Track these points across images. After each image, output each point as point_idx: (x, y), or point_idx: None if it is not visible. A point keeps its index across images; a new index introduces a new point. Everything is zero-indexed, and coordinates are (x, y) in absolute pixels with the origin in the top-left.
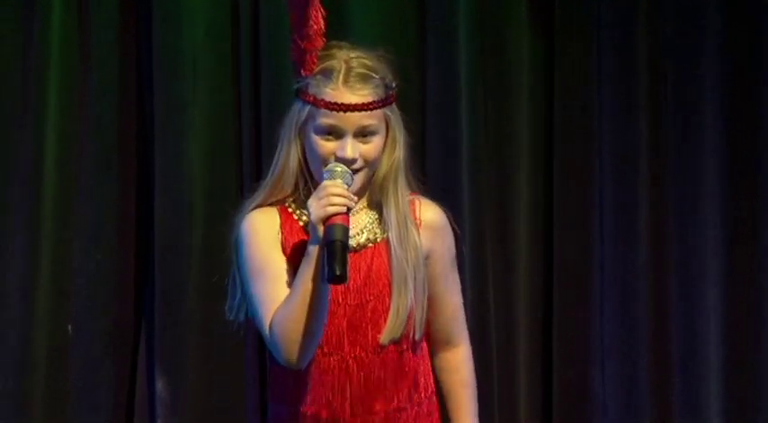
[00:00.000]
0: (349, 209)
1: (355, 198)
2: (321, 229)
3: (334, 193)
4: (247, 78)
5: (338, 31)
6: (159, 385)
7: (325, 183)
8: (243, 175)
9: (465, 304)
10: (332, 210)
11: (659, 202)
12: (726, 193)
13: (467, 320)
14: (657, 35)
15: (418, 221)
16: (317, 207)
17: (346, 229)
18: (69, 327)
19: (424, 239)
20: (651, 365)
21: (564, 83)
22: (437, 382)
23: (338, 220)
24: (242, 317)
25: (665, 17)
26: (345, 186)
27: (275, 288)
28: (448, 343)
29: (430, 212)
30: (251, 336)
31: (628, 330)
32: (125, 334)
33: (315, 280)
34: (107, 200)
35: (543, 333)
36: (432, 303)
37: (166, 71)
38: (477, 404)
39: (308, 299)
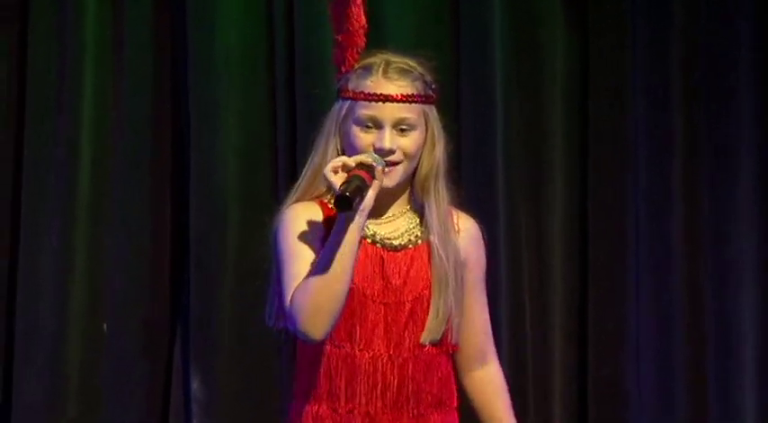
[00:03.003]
0: (368, 167)
1: (379, 168)
2: (336, 182)
3: (348, 158)
4: (282, 78)
5: (372, 28)
6: (194, 385)
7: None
8: (278, 174)
9: (500, 301)
10: (336, 163)
11: (694, 198)
12: (762, 189)
13: (503, 317)
14: (691, 30)
15: (457, 228)
16: (330, 165)
17: (363, 178)
18: (105, 325)
19: (462, 247)
20: (686, 364)
21: (598, 79)
22: (468, 399)
23: (356, 173)
24: (281, 323)
25: (699, 12)
26: (367, 157)
27: (306, 268)
28: (481, 359)
29: (468, 223)
30: (285, 337)
31: (663, 329)
32: (160, 333)
33: (340, 245)
34: (141, 198)
35: (578, 331)
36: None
37: (201, 71)
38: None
39: (330, 267)
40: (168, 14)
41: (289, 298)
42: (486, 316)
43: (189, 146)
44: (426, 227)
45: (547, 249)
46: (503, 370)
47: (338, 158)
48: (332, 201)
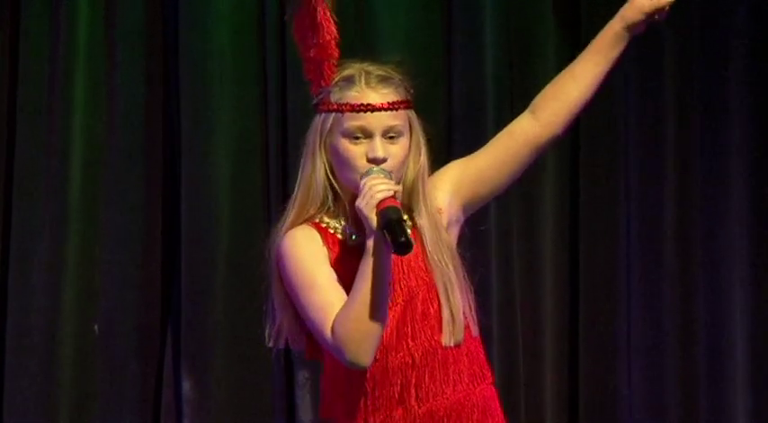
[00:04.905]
0: (395, 193)
1: (399, 187)
2: (374, 218)
3: (375, 184)
4: (274, 81)
5: (364, 34)
6: (186, 385)
7: (365, 180)
8: (269, 176)
9: (491, 302)
10: (380, 196)
11: (686, 199)
12: (753, 191)
13: (494, 315)
14: (685, 36)
15: (440, 211)
16: (365, 200)
17: (398, 209)
18: (96, 326)
19: (447, 200)
20: (677, 364)
21: None
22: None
23: (387, 204)
24: (282, 343)
25: (693, 18)
26: (389, 181)
27: (330, 295)
28: (533, 121)
29: (434, 195)
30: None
31: (654, 329)
32: (151, 334)
33: (377, 272)
34: (133, 201)
35: (570, 332)
36: (502, 158)
37: (192, 74)
38: None
39: (370, 294)
40: (160, 16)
41: (328, 330)
42: (494, 137)
43: (180, 148)
44: (412, 219)
45: (538, 252)
46: (495, 377)
47: (374, 197)
48: (352, 237)
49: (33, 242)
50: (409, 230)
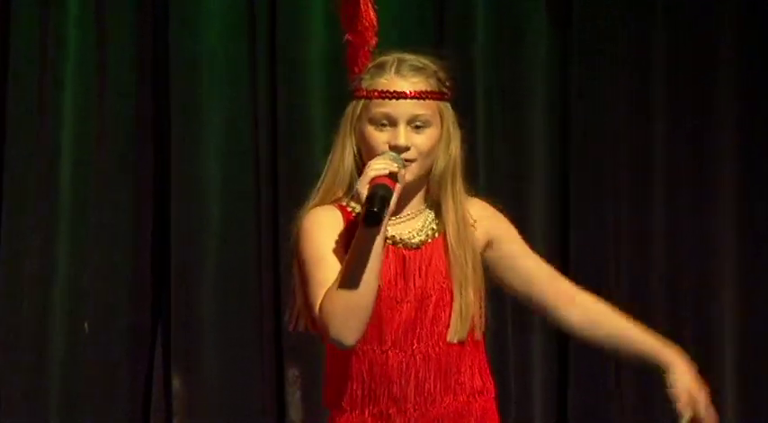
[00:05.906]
0: (392, 173)
1: (402, 171)
2: (364, 194)
3: (375, 162)
4: (264, 80)
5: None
6: (176, 384)
7: (369, 162)
8: (259, 176)
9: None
10: (372, 173)
11: (675, 202)
12: (741, 193)
13: (484, 316)
14: (673, 38)
15: (473, 220)
16: (360, 178)
17: (387, 187)
18: (86, 324)
19: (483, 233)
20: None
21: (580, 83)
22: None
23: (380, 181)
24: (301, 327)
25: (682, 20)
26: (392, 163)
27: (332, 273)
28: (570, 300)
29: (477, 208)
30: (267, 337)
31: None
32: (142, 333)
33: (362, 248)
34: (124, 200)
35: (559, 333)
36: (530, 279)
37: (183, 73)
38: None
39: (355, 271)
40: (151, 16)
41: (317, 306)
42: (547, 265)
43: (170, 148)
44: (441, 220)
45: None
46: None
47: (367, 175)
48: (358, 213)
49: (24, 243)
50: (434, 232)
